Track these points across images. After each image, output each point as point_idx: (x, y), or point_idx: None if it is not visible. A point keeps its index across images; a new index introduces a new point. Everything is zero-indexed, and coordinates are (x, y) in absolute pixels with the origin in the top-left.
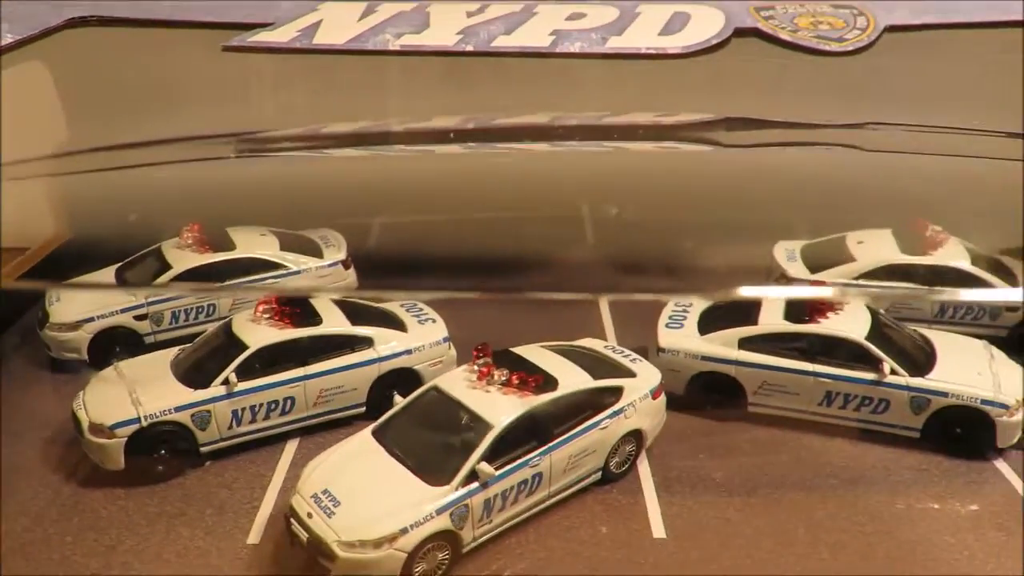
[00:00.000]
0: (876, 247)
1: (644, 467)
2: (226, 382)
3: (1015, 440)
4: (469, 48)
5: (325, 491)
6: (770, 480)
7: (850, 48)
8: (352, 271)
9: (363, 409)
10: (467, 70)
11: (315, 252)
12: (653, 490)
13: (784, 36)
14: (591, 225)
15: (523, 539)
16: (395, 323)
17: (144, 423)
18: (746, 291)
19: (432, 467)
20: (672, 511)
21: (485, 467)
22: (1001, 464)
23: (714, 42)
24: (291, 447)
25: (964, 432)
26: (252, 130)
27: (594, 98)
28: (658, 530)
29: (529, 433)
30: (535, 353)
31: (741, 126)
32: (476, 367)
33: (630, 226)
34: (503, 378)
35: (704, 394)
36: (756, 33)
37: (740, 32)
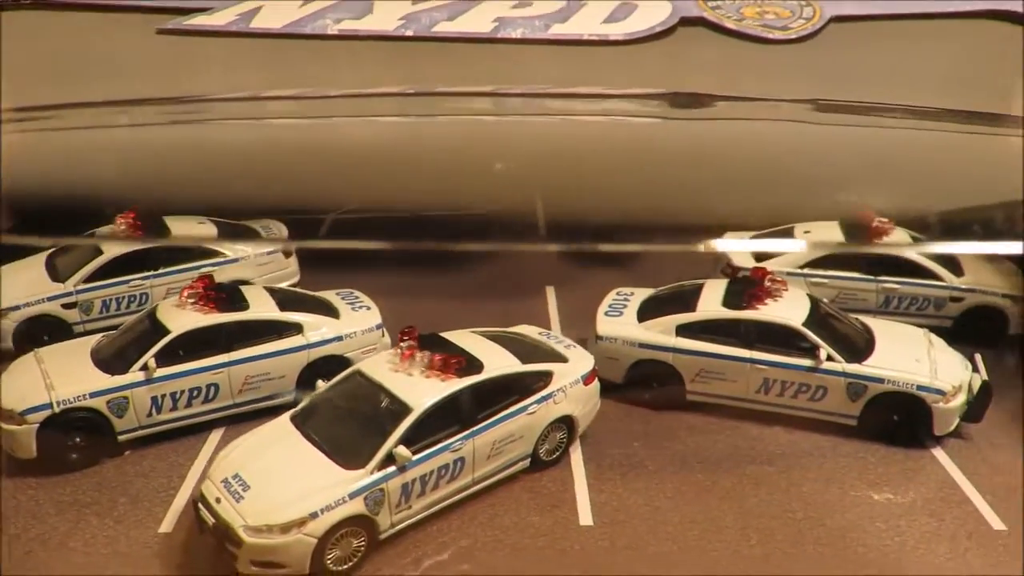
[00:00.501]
0: (822, 237)
1: (577, 454)
2: (145, 367)
3: (952, 427)
4: (409, 33)
5: (236, 475)
6: (703, 468)
7: (794, 36)
8: (294, 259)
9: (292, 397)
10: (410, 54)
11: (255, 240)
12: (584, 478)
13: (729, 25)
14: (535, 192)
15: (446, 526)
16: (327, 310)
17: (56, 409)
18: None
19: (348, 451)
20: (601, 498)
21: (402, 450)
22: (938, 452)
23: (659, 30)
24: (215, 436)
25: (901, 419)
26: (192, 96)
27: (537, 80)
28: (585, 517)
29: (451, 417)
30: (464, 337)
31: (686, 100)
32: (399, 349)
33: (580, 194)
34: (425, 360)
35: (642, 382)
36: (702, 22)
37: (686, 21)
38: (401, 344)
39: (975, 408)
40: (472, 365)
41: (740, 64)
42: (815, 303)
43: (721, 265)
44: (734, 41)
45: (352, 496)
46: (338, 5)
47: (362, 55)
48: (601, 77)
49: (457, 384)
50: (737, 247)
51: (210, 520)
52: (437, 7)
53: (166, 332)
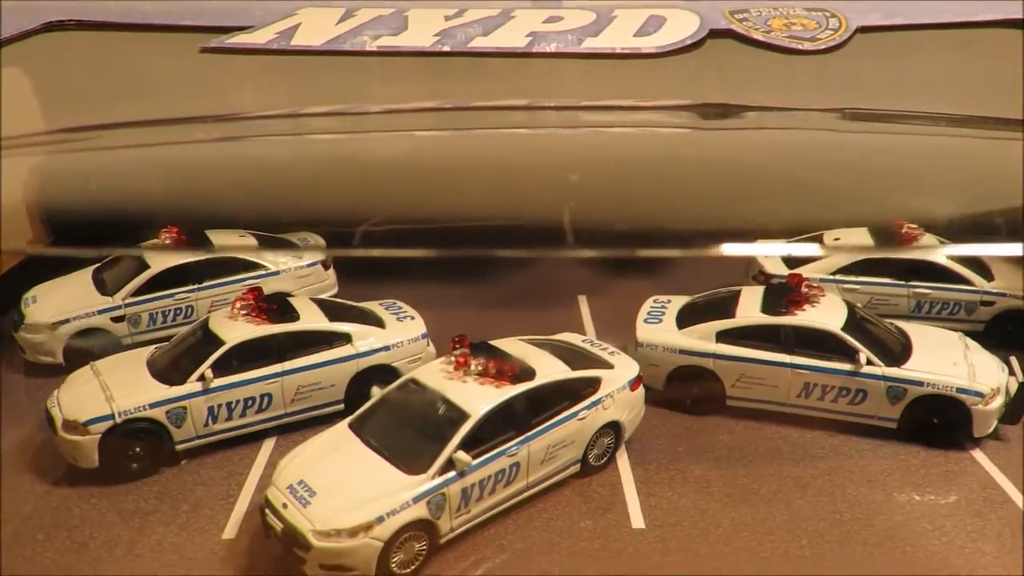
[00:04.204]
0: (852, 243)
1: (623, 460)
2: (202, 378)
3: (992, 429)
4: (446, 48)
5: (300, 482)
6: (748, 471)
7: (822, 47)
8: (332, 271)
9: (342, 406)
10: (446, 69)
11: (294, 253)
12: (632, 482)
13: (758, 36)
14: (570, 204)
15: (502, 531)
16: (373, 320)
17: (118, 420)
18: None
19: (409, 456)
20: (651, 503)
21: (462, 456)
22: (978, 454)
23: (689, 42)
24: (268, 445)
25: (940, 421)
26: (230, 113)
27: (571, 93)
28: (637, 521)
29: (507, 422)
30: (513, 345)
31: (716, 111)
32: (453, 357)
33: (609, 206)
34: (480, 368)
35: (683, 388)
36: (730, 34)
37: (715, 33)
38: (454, 352)
39: (1012, 410)
40: (525, 372)
41: (769, 75)
42: (851, 308)
43: (753, 271)
44: (763, 52)
45: (416, 500)
46: (374, 22)
47: (397, 70)
48: (633, 89)
49: (512, 390)
50: (768, 251)
51: (278, 525)
52: (471, 22)
53: (221, 343)
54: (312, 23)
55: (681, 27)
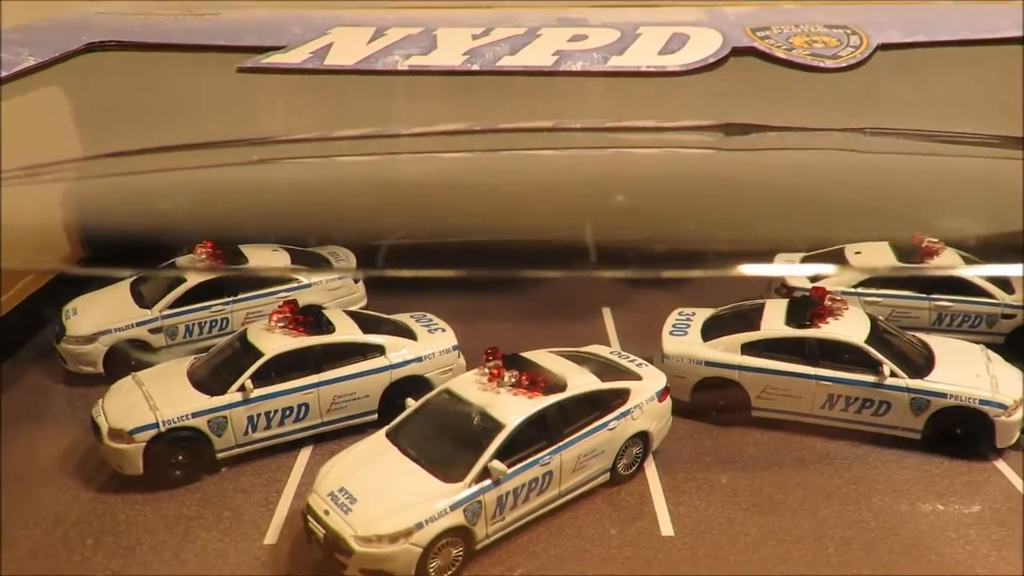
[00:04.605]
0: (873, 258)
1: (651, 469)
2: (242, 388)
3: (1014, 440)
4: (475, 68)
5: (341, 489)
6: (774, 481)
7: (844, 64)
8: (361, 285)
9: (375, 416)
10: (473, 89)
11: (326, 267)
12: (660, 491)
13: (780, 54)
14: (593, 224)
15: (535, 538)
16: (406, 332)
17: (162, 428)
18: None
19: (445, 465)
20: (679, 511)
21: (497, 464)
22: (1001, 464)
23: (712, 60)
24: (304, 454)
25: (964, 433)
26: (262, 137)
27: (597, 112)
28: (666, 528)
29: (539, 432)
30: (543, 357)
31: (739, 131)
32: (487, 369)
33: (632, 224)
34: (513, 379)
35: (709, 399)
36: (753, 52)
37: (737, 51)
38: (487, 364)
39: None
40: (556, 383)
41: (791, 93)
42: (874, 321)
43: (775, 285)
44: (785, 70)
45: (453, 508)
46: (404, 41)
47: (425, 89)
48: (657, 107)
49: (544, 401)
50: (791, 271)
51: (320, 531)
52: (498, 41)
53: (259, 354)
54: (344, 42)
55: (704, 45)
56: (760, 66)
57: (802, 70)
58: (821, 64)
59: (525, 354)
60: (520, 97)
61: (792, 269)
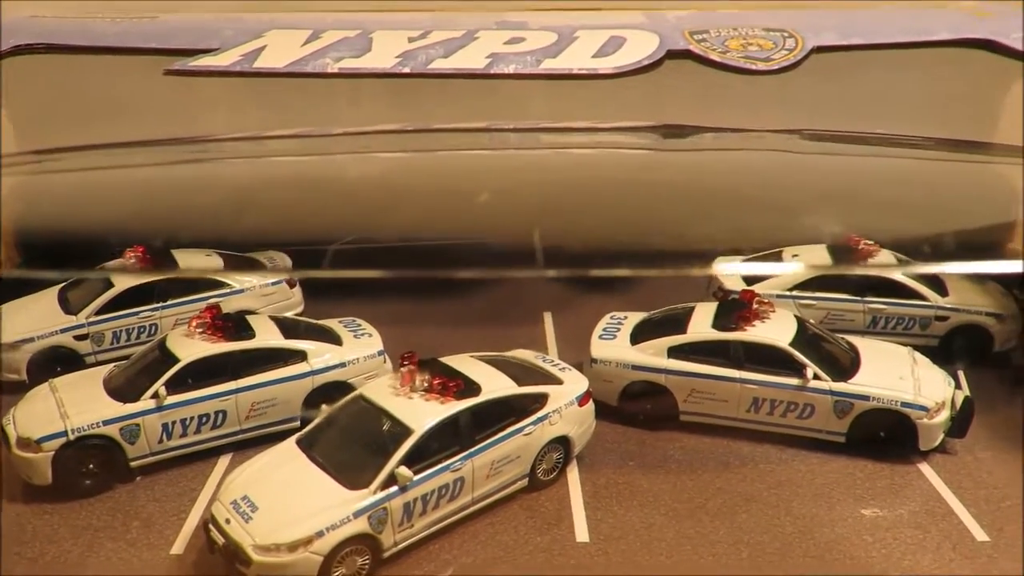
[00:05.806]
0: (810, 260)
1: (573, 475)
2: (156, 395)
3: (937, 442)
4: (406, 70)
5: (244, 497)
6: (696, 486)
7: (775, 67)
8: (297, 289)
9: (298, 423)
10: (409, 91)
11: (259, 271)
12: (580, 497)
13: (714, 57)
14: (529, 224)
15: (448, 544)
16: (330, 337)
17: (71, 436)
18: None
19: (351, 472)
20: (597, 516)
21: (404, 471)
22: (924, 466)
23: (646, 63)
24: (223, 462)
25: (887, 435)
26: (195, 136)
27: (531, 114)
28: (582, 534)
29: (451, 438)
30: (462, 362)
31: (676, 132)
32: (400, 373)
33: (570, 226)
34: (425, 384)
35: (636, 403)
36: (688, 55)
37: (673, 54)
38: (401, 368)
39: (959, 423)
40: (470, 388)
41: (725, 95)
42: (801, 324)
43: (713, 288)
44: (719, 73)
45: (356, 515)
46: (339, 43)
47: (361, 91)
48: (591, 110)
49: (456, 406)
50: (728, 271)
51: (220, 540)
52: (433, 44)
53: (175, 361)
54: (278, 45)
55: (640, 48)
56: (698, 69)
57: (734, 72)
58: (752, 67)
59: (444, 359)
60: (456, 100)
61: (735, 268)
